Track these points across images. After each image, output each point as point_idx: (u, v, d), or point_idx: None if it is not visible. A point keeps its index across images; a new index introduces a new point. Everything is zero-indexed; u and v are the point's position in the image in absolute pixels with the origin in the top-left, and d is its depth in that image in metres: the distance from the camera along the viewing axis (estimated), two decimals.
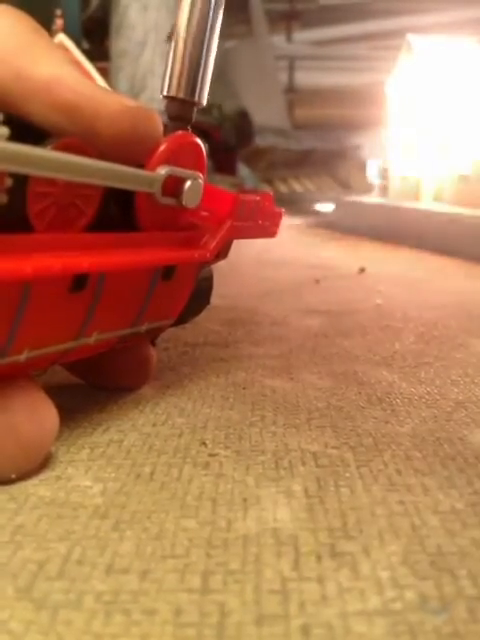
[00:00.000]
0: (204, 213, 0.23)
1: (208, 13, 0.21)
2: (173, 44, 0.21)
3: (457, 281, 0.59)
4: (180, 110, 0.22)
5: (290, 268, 0.64)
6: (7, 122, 0.14)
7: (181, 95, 0.21)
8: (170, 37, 0.21)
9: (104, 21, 1.33)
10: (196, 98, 0.22)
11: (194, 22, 0.21)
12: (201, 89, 0.22)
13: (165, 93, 0.22)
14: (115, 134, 0.18)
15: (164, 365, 0.29)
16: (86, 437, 0.21)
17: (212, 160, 1.69)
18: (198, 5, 0.21)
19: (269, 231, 0.26)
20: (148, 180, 0.19)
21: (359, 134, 2.01)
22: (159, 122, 0.19)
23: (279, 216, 0.26)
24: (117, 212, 0.20)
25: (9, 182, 0.15)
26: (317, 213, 1.39)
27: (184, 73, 0.21)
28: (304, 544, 0.15)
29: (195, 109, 0.22)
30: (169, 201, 0.20)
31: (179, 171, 0.20)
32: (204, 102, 0.22)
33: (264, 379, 0.28)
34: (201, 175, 0.21)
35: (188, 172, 0.20)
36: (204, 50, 0.21)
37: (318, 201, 1.56)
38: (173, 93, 0.21)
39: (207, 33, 0.21)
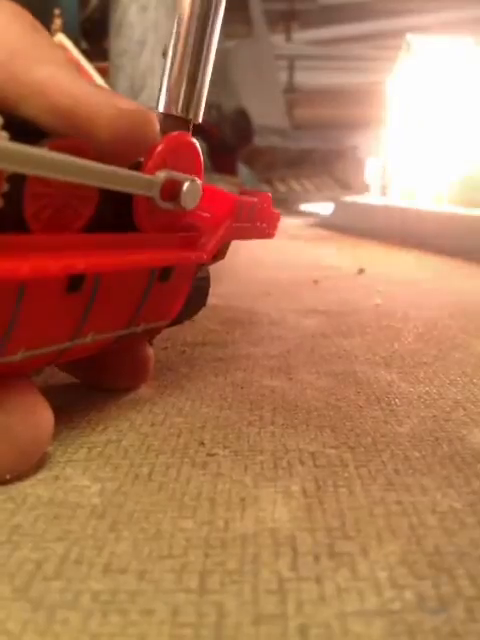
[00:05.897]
0: (205, 214, 0.23)
1: (204, 30, 0.21)
2: (168, 61, 0.21)
3: (456, 281, 0.59)
4: (175, 127, 0.22)
5: (289, 268, 0.64)
6: (7, 124, 0.14)
7: (176, 112, 0.21)
8: (166, 53, 0.21)
9: (102, 21, 1.33)
10: (191, 115, 0.22)
11: (190, 39, 0.21)
12: (196, 106, 0.22)
13: (160, 110, 0.22)
14: (112, 137, 0.17)
15: (162, 365, 0.29)
16: (84, 437, 0.21)
17: (212, 160, 1.70)
18: (194, 22, 0.21)
19: (266, 233, 0.26)
20: (147, 183, 0.19)
21: (358, 134, 2.01)
22: (156, 124, 0.19)
23: (277, 218, 0.27)
24: (115, 213, 0.19)
25: (6, 187, 0.15)
26: (314, 213, 1.39)
27: (180, 91, 0.21)
28: (302, 544, 0.15)
29: (190, 126, 0.22)
30: (168, 205, 0.20)
31: (177, 175, 0.20)
32: (199, 119, 0.22)
33: (262, 379, 0.28)
34: (198, 178, 0.21)
35: (186, 176, 0.20)
36: (200, 67, 0.21)
37: (310, 201, 1.56)
38: (168, 110, 0.21)
39: (203, 51, 0.21)
